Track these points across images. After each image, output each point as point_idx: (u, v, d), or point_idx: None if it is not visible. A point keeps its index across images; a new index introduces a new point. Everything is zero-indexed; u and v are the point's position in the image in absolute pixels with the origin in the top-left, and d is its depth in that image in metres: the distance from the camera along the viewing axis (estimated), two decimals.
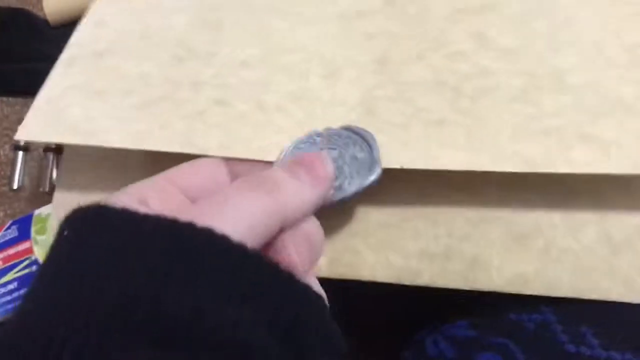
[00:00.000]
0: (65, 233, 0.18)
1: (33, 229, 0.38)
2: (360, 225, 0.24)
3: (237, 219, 0.18)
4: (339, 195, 0.22)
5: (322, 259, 0.24)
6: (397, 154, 0.22)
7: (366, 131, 0.23)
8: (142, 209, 0.18)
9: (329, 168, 0.22)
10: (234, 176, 0.23)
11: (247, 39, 0.28)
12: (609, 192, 0.23)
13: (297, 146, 0.24)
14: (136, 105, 0.26)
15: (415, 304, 0.33)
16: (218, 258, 0.16)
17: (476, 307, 0.27)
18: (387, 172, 0.23)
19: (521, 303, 0.25)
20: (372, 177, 0.22)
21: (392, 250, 0.24)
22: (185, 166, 0.22)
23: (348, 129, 0.24)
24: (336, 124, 0.24)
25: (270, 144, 0.24)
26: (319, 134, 0.24)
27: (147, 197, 0.20)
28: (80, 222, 0.18)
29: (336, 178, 0.22)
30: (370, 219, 0.24)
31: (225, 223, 0.17)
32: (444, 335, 0.28)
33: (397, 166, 0.22)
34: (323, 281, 0.21)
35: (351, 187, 0.22)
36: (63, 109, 0.26)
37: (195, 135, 0.24)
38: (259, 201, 0.19)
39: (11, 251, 0.37)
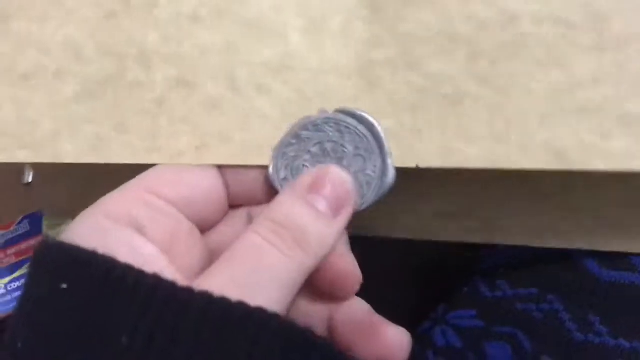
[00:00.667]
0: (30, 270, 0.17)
1: (45, 224, 0.38)
2: None
3: (274, 288, 0.16)
4: (363, 207, 0.19)
5: None
6: (409, 146, 0.19)
7: (368, 117, 0.19)
8: (138, 242, 0.17)
9: (348, 186, 0.19)
10: (226, 181, 0.21)
11: None
12: None
13: (283, 151, 0.20)
14: (76, 95, 0.21)
15: (420, 293, 0.34)
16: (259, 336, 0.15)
17: (482, 297, 0.28)
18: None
19: (527, 292, 0.25)
20: (384, 189, 0.19)
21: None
22: (166, 172, 0.20)
23: (344, 111, 0.19)
24: (331, 101, 0.20)
25: (256, 138, 0.20)
26: (306, 126, 0.20)
27: (139, 219, 0.18)
28: (39, 264, 0.17)
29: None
30: None
31: (259, 292, 0.16)
32: (451, 325, 0.28)
33: (412, 165, 0.19)
34: None
35: (366, 202, 0.19)
36: None
37: (161, 136, 0.21)
38: (293, 262, 0.17)
39: (23, 246, 0.38)
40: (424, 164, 0.19)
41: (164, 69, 0.21)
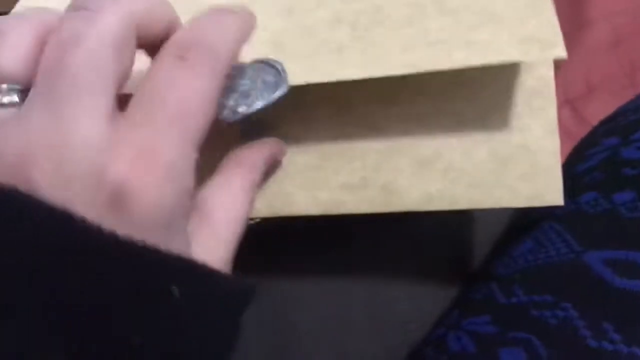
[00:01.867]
0: None
1: None
2: (288, 169, 0.28)
3: None
4: (250, 110, 0.24)
5: (258, 203, 0.27)
6: (303, 75, 0.25)
7: (275, 60, 0.25)
8: None
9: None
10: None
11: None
12: (494, 117, 0.27)
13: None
14: None
15: (433, 300, 0.34)
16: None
17: (496, 303, 0.28)
18: (307, 119, 0.28)
19: (542, 299, 0.26)
20: (280, 92, 0.24)
21: (317, 187, 0.28)
22: None
23: (258, 60, 0.25)
24: (247, 59, 0.25)
25: None
26: (232, 68, 0.24)
27: None
28: None
29: (248, 96, 0.24)
30: (296, 163, 0.28)
31: None
32: (465, 330, 0.28)
33: (302, 82, 0.25)
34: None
35: (260, 101, 0.24)
36: None
37: None
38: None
39: None
40: (311, 80, 0.25)
41: None
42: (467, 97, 0.27)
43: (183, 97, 0.18)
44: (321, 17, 0.27)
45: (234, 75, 0.24)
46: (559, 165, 0.26)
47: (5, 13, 0.23)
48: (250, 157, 0.24)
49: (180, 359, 0.18)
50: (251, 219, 0.26)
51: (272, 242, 0.28)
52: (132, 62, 0.19)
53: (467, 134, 0.27)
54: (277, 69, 0.25)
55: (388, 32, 0.26)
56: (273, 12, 0.28)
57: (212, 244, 0.21)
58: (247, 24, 0.22)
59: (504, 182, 0.26)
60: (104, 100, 0.17)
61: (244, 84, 0.24)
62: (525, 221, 0.32)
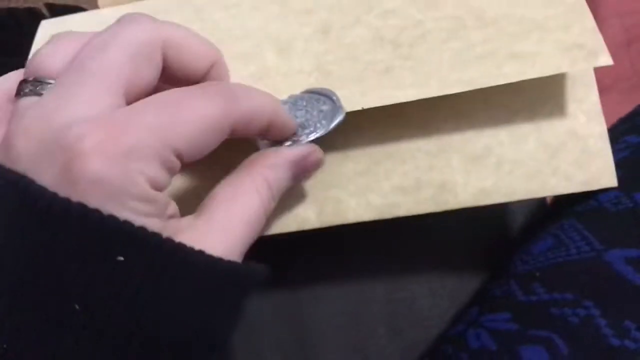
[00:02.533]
0: None
1: None
2: (338, 177, 0.28)
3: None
4: (310, 139, 0.25)
5: (309, 212, 0.28)
6: (357, 100, 0.26)
7: (326, 89, 0.26)
8: None
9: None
10: None
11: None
12: (540, 107, 0.28)
13: None
14: None
15: (451, 297, 0.34)
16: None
17: (516, 301, 0.28)
18: (353, 125, 0.27)
19: (563, 297, 0.26)
20: (339, 119, 0.25)
21: (369, 192, 0.28)
22: None
23: (310, 91, 0.26)
24: (298, 91, 0.27)
25: None
26: (284, 102, 0.25)
27: None
28: None
29: (306, 127, 0.25)
30: (346, 170, 0.28)
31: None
32: (485, 327, 0.28)
33: (359, 108, 0.25)
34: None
35: (319, 131, 0.25)
36: None
37: None
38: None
39: None
40: (368, 105, 0.25)
41: None
42: (513, 90, 0.28)
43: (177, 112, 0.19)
44: (360, 36, 0.27)
45: (289, 109, 0.25)
46: (609, 148, 0.27)
47: None
48: (268, 157, 0.24)
49: (141, 329, 0.18)
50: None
51: (290, 241, 0.28)
52: (153, 77, 0.21)
53: (516, 126, 0.28)
54: (330, 98, 0.25)
55: (433, 47, 0.26)
56: (308, 32, 0.28)
57: (213, 237, 0.20)
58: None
59: (558, 170, 0.27)
60: (106, 98, 0.19)
61: (300, 115, 0.25)
62: (545, 219, 0.32)
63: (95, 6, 0.54)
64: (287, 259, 0.35)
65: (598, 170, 0.27)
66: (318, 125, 0.25)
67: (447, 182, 0.27)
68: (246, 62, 0.28)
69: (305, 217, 0.27)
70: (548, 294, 0.26)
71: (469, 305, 0.33)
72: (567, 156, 0.27)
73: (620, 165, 0.27)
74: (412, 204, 0.27)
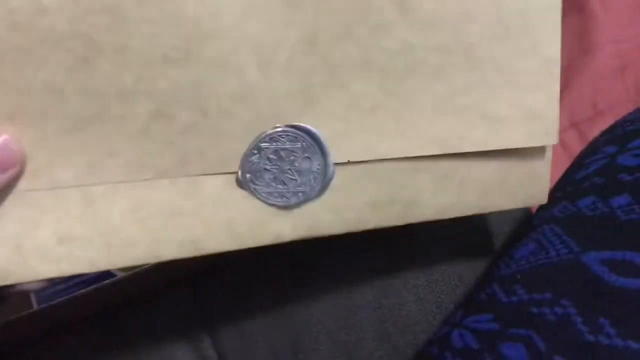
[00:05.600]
0: None
1: None
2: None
3: None
4: (307, 200, 0.26)
5: (284, 226, 0.27)
6: (342, 147, 0.26)
7: (312, 131, 0.25)
8: None
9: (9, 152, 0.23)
10: None
11: (157, 23, 0.23)
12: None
13: (248, 160, 0.25)
14: (65, 129, 0.24)
15: (439, 303, 0.35)
16: None
17: (498, 302, 0.29)
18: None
19: (542, 297, 0.26)
20: (330, 176, 0.26)
21: (345, 208, 0.27)
22: None
23: (292, 126, 0.25)
24: (282, 119, 0.25)
25: (228, 152, 0.25)
26: (264, 139, 0.25)
27: None
28: None
29: (302, 184, 0.26)
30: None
31: None
32: (468, 328, 0.29)
33: (345, 160, 0.26)
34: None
35: (314, 191, 0.26)
36: None
37: (151, 157, 0.25)
38: None
39: None
40: (354, 158, 0.26)
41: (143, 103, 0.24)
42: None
43: None
44: (349, 57, 0.25)
45: (278, 158, 0.25)
46: (549, 171, 0.29)
47: None
48: None
49: None
50: None
51: (280, 249, 0.29)
52: None
53: (480, 153, 0.28)
54: (317, 144, 0.25)
55: (418, 86, 0.26)
56: (293, 38, 0.24)
57: None
58: None
59: (506, 190, 0.29)
60: None
61: (291, 174, 0.26)
62: (527, 226, 0.33)
63: None
64: (278, 266, 0.36)
65: (538, 191, 0.29)
66: (314, 186, 0.26)
67: (415, 198, 0.28)
68: (224, 75, 0.24)
69: (280, 230, 0.27)
70: (528, 295, 0.27)
71: (454, 309, 0.34)
72: (516, 179, 0.29)
73: (598, 174, 0.29)
74: (381, 219, 0.28)
